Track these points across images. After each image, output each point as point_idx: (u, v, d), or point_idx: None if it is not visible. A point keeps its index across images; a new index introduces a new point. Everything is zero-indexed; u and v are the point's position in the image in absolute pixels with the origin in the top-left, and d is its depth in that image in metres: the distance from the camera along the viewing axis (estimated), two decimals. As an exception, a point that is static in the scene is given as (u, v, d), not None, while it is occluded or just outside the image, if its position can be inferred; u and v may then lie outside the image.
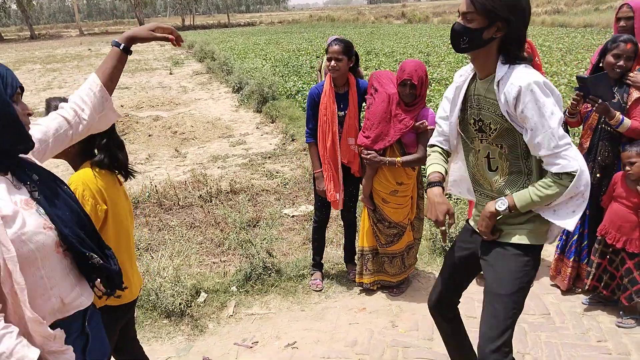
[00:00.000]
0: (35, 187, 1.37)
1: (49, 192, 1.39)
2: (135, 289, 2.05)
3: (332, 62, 3.12)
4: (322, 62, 6.57)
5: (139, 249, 4.11)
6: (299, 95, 10.05)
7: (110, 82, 1.66)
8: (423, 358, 2.79)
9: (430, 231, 3.95)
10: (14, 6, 61.80)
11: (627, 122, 2.85)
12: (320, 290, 3.52)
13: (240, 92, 11.05)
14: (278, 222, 4.51)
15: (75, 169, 1.92)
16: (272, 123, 8.73)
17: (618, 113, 2.85)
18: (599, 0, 36.19)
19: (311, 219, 4.48)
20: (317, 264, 3.65)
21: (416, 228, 3.43)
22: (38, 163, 1.46)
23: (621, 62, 2.87)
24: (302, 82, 11.44)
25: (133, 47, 1.75)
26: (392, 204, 3.20)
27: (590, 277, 3.14)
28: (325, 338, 3.02)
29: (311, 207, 4.82)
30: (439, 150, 2.11)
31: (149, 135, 8.25)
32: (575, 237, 3.24)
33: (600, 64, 3.01)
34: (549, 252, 3.61)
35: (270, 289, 3.53)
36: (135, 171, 2.08)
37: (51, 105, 1.84)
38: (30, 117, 1.42)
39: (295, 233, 4.43)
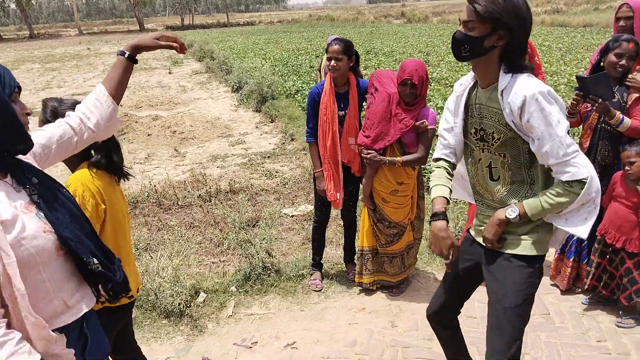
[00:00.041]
0: (35, 191, 1.37)
1: (48, 196, 1.39)
2: (133, 289, 2.05)
3: (332, 62, 3.12)
4: (321, 61, 6.56)
5: (138, 249, 4.10)
6: (299, 94, 10.04)
7: (117, 91, 1.66)
8: (422, 358, 2.79)
9: (429, 231, 3.94)
10: (13, 5, 61.72)
11: (627, 121, 2.85)
12: (320, 290, 3.51)
13: (240, 92, 11.04)
14: (277, 221, 4.51)
15: (73, 169, 1.92)
16: (272, 122, 8.72)
17: (618, 112, 2.85)
18: (599, 0, 36.20)
19: (311, 219, 4.48)
20: (317, 264, 3.65)
21: (416, 228, 3.42)
22: (38, 167, 1.45)
23: (623, 62, 2.87)
24: (302, 81, 11.43)
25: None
26: (392, 203, 3.20)
27: (590, 277, 3.14)
28: (325, 338, 3.01)
29: (310, 207, 4.81)
30: (445, 165, 2.06)
31: (148, 135, 8.25)
32: (575, 237, 3.24)
33: (601, 63, 3.01)
34: (549, 252, 3.60)
35: (269, 289, 3.52)
36: (130, 174, 2.08)
37: (48, 106, 1.84)
38: (29, 117, 1.42)
39: (295, 233, 4.42)
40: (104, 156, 1.91)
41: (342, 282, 3.62)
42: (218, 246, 4.23)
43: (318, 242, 3.61)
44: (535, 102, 1.65)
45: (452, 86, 10.31)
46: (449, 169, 2.06)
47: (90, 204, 1.84)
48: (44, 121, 1.82)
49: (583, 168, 1.70)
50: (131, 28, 56.16)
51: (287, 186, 5.51)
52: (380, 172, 3.15)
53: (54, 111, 1.82)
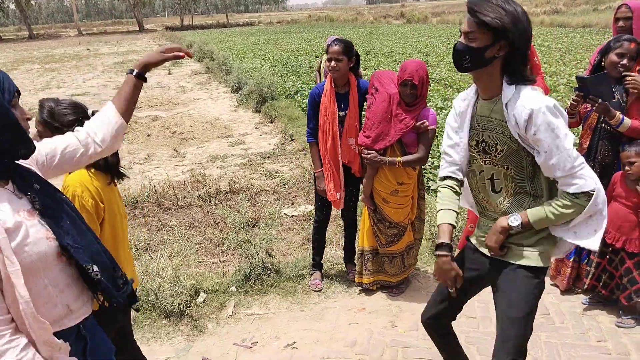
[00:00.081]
0: (37, 197, 1.37)
1: (50, 202, 1.39)
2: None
3: (332, 63, 3.12)
4: (320, 62, 6.56)
5: (138, 249, 4.10)
6: (298, 95, 10.05)
7: (126, 108, 1.68)
8: (422, 358, 2.79)
9: (430, 231, 3.95)
10: (12, 6, 61.70)
11: (627, 121, 2.85)
12: (320, 291, 3.51)
13: (239, 92, 11.05)
14: (277, 222, 4.51)
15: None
16: (271, 123, 8.72)
17: (618, 113, 2.85)
18: (598, 0, 36.24)
19: (310, 219, 4.48)
20: (317, 264, 3.65)
21: (417, 228, 3.42)
22: (39, 173, 1.45)
23: (625, 61, 2.87)
24: (301, 82, 11.44)
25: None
26: (393, 203, 3.20)
27: (590, 277, 3.15)
28: (325, 338, 3.01)
29: (310, 207, 4.81)
30: (451, 183, 2.02)
31: (148, 135, 8.25)
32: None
33: (602, 63, 3.01)
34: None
35: (269, 289, 3.52)
36: (126, 174, 2.08)
37: (45, 106, 1.83)
38: (29, 122, 1.42)
39: (295, 233, 4.42)
40: None
41: (342, 282, 3.62)
42: (218, 246, 4.23)
43: (318, 243, 3.61)
44: (543, 115, 1.65)
45: (452, 86, 10.36)
46: (456, 188, 2.02)
47: (89, 204, 1.84)
48: (41, 122, 1.82)
49: (590, 180, 1.70)
50: (130, 29, 56.17)
51: (286, 186, 5.51)
52: (381, 172, 3.15)
53: (50, 111, 1.82)
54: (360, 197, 3.49)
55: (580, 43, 17.25)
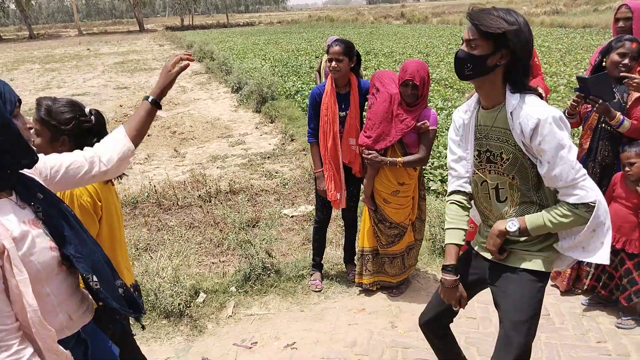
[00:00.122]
0: (40, 207, 1.38)
1: (53, 212, 1.40)
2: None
3: (333, 63, 3.12)
4: (320, 62, 6.56)
5: (137, 249, 4.10)
6: (298, 95, 10.05)
7: (137, 132, 1.70)
8: (422, 359, 2.79)
9: (430, 232, 3.95)
10: (12, 6, 61.70)
11: (628, 122, 2.85)
12: (320, 291, 3.51)
13: (240, 92, 11.05)
14: (277, 222, 4.50)
15: None
16: (272, 123, 8.72)
17: (618, 113, 2.85)
18: (598, 0, 36.22)
19: (310, 219, 4.48)
20: (317, 265, 3.65)
21: (417, 229, 3.42)
22: (42, 183, 1.46)
23: (626, 61, 2.87)
24: (302, 82, 11.44)
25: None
26: (394, 204, 3.20)
27: (589, 277, 3.15)
28: (325, 339, 3.01)
29: (310, 207, 4.81)
30: (460, 198, 2.01)
31: (148, 135, 8.25)
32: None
33: (603, 64, 3.00)
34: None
35: (269, 290, 3.52)
36: (124, 173, 2.08)
37: (42, 104, 1.83)
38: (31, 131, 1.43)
39: (295, 233, 4.42)
40: None
41: (342, 282, 3.62)
42: (218, 246, 4.23)
43: (318, 243, 3.61)
44: (549, 125, 1.65)
45: (452, 86, 10.35)
46: (464, 202, 2.01)
47: (88, 203, 1.84)
48: (39, 120, 1.81)
49: (591, 191, 1.70)
50: (131, 29, 56.18)
51: (287, 187, 5.51)
52: (382, 172, 3.15)
53: (48, 110, 1.82)
54: (360, 198, 3.48)
55: (581, 43, 17.25)
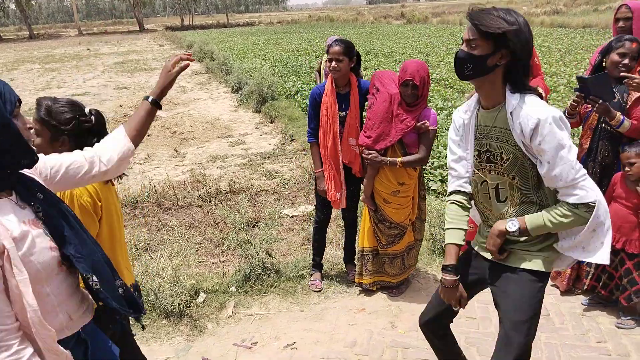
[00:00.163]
0: (40, 207, 1.38)
1: (53, 212, 1.40)
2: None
3: (333, 63, 3.12)
4: (320, 62, 6.56)
5: (137, 249, 4.10)
6: (298, 95, 10.05)
7: (137, 132, 1.70)
8: (422, 359, 2.79)
9: (430, 232, 3.95)
10: (12, 6, 61.70)
11: (628, 122, 2.85)
12: (320, 291, 3.51)
13: (240, 92, 11.05)
14: (277, 222, 4.50)
15: None
16: (272, 123, 8.72)
17: (618, 113, 2.85)
18: (598, 0, 36.22)
19: (310, 219, 4.48)
20: (317, 265, 3.65)
21: (417, 229, 3.42)
22: (42, 183, 1.46)
23: (626, 61, 2.87)
24: (302, 82, 11.43)
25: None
26: (394, 204, 3.20)
27: (589, 277, 3.15)
28: (325, 338, 3.01)
29: (310, 207, 4.81)
30: (460, 198, 2.02)
31: (148, 135, 8.24)
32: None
33: (603, 64, 3.00)
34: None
35: (269, 290, 3.52)
36: (124, 173, 2.08)
37: (42, 104, 1.83)
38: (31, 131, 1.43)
39: (295, 233, 4.42)
40: None
41: (342, 282, 3.62)
42: (218, 246, 4.23)
43: (318, 243, 3.61)
44: (549, 126, 1.65)
45: (452, 86, 10.34)
46: (464, 202, 2.02)
47: (88, 203, 1.84)
48: (39, 120, 1.81)
49: (591, 192, 1.70)
50: (131, 29, 56.18)
51: (287, 187, 5.51)
52: (382, 172, 3.15)
53: (48, 109, 1.82)
54: (360, 198, 3.48)
55: (581, 43, 17.25)
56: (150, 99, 1.73)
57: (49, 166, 1.50)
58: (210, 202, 5.13)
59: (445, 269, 1.96)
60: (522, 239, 1.87)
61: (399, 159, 3.03)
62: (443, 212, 4.06)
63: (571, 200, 1.71)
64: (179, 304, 3.20)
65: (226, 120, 9.29)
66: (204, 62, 17.67)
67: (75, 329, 1.47)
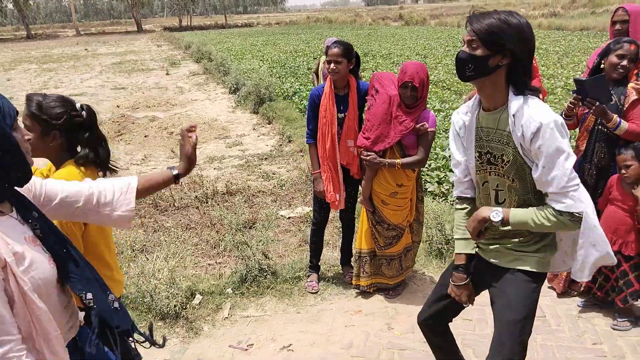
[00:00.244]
0: (37, 225, 1.39)
1: (47, 230, 1.42)
2: (119, 287, 2.07)
3: (332, 65, 3.11)
4: (318, 63, 6.55)
5: (133, 250, 4.09)
6: (296, 96, 10.05)
7: (146, 190, 1.72)
8: (419, 361, 2.79)
9: (427, 234, 3.94)
10: (10, 6, 61.57)
11: (624, 124, 2.85)
12: (316, 293, 3.51)
13: (237, 93, 11.04)
14: (274, 223, 4.50)
15: (57, 166, 1.90)
16: (269, 124, 8.72)
17: (615, 116, 2.86)
18: (595, 3, 36.36)
19: (307, 221, 4.47)
20: (314, 266, 3.64)
21: (415, 231, 3.42)
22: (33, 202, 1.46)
23: (625, 63, 2.88)
24: (299, 83, 11.44)
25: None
26: (392, 205, 3.20)
27: (586, 279, 3.15)
28: (321, 340, 3.00)
29: (307, 209, 4.81)
30: (465, 205, 2.05)
31: (145, 136, 8.23)
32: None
33: (601, 66, 3.01)
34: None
35: (265, 291, 3.51)
36: (117, 167, 2.07)
37: (33, 100, 1.82)
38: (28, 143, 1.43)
39: (292, 235, 4.41)
40: (92, 150, 1.89)
41: (339, 284, 3.61)
42: (214, 248, 4.22)
43: (316, 245, 3.60)
44: (550, 130, 1.64)
45: (449, 88, 10.36)
46: (470, 207, 2.04)
47: None
48: (29, 115, 1.80)
49: (579, 202, 1.69)
50: (129, 29, 56.14)
51: (284, 188, 5.51)
52: (380, 174, 3.15)
53: (39, 104, 1.81)
54: (359, 199, 3.48)
55: (578, 46, 17.31)
56: (174, 172, 1.76)
57: (44, 191, 1.50)
58: (207, 203, 5.12)
59: (456, 268, 2.00)
60: (517, 239, 1.88)
61: (398, 160, 3.03)
62: (440, 214, 4.07)
63: (558, 206, 1.71)
64: (175, 306, 3.19)
65: (223, 121, 9.28)
66: (201, 62, 17.67)
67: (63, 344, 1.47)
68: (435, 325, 2.20)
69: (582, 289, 3.19)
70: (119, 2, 64.57)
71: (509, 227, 1.84)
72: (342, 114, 3.26)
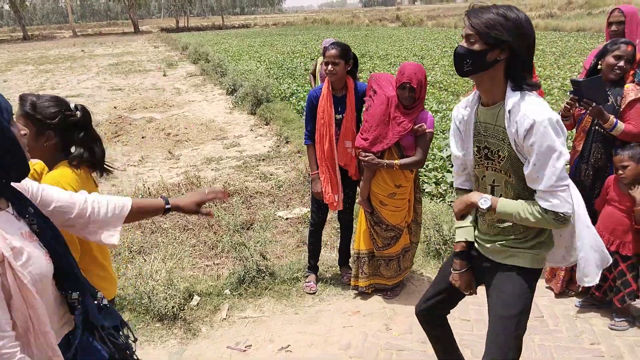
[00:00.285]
0: (34, 220, 1.39)
1: (44, 225, 1.42)
2: (113, 287, 2.07)
3: (330, 67, 3.12)
4: (315, 64, 6.55)
5: (131, 251, 4.08)
6: (294, 97, 10.04)
7: (136, 216, 1.74)
8: (417, 361, 2.79)
9: (425, 234, 3.95)
10: (6, 7, 61.41)
11: (621, 125, 2.87)
12: (314, 294, 3.50)
13: (235, 94, 11.03)
14: (272, 224, 4.50)
15: (50, 167, 1.88)
16: (267, 125, 8.71)
17: (612, 116, 2.87)
18: (592, 4, 36.48)
19: (305, 222, 4.47)
20: (312, 267, 3.64)
21: (413, 231, 3.42)
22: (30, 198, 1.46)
23: (622, 63, 2.89)
24: (297, 84, 11.44)
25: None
26: (390, 206, 3.20)
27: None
28: (319, 341, 3.00)
29: (305, 210, 4.81)
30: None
31: (142, 137, 8.22)
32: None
33: (598, 67, 3.02)
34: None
35: (263, 292, 3.51)
36: (112, 167, 2.06)
37: (27, 99, 1.81)
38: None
39: (289, 236, 4.41)
40: (87, 149, 1.89)
41: (337, 285, 3.61)
42: (212, 249, 4.21)
43: (314, 246, 3.60)
44: (544, 128, 1.63)
45: (447, 89, 10.38)
46: None
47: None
48: (23, 114, 1.79)
49: (565, 203, 1.69)
50: (126, 30, 56.04)
51: (281, 189, 5.50)
52: (378, 175, 3.15)
53: (33, 104, 1.80)
54: (357, 200, 3.48)
55: (575, 47, 17.37)
56: (167, 205, 1.78)
57: (41, 195, 1.50)
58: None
59: (457, 255, 2.02)
60: (513, 235, 1.89)
61: (396, 161, 3.03)
62: (438, 215, 4.07)
63: (544, 205, 1.71)
64: (173, 307, 3.19)
65: (221, 122, 9.27)
66: (198, 64, 17.65)
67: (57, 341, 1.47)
68: (433, 316, 2.22)
69: (579, 289, 3.20)
70: (116, 3, 64.40)
71: (517, 234, 1.88)
72: (340, 115, 3.26)
